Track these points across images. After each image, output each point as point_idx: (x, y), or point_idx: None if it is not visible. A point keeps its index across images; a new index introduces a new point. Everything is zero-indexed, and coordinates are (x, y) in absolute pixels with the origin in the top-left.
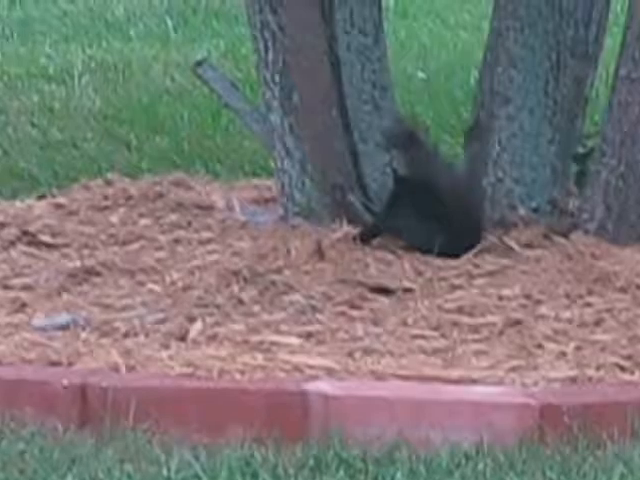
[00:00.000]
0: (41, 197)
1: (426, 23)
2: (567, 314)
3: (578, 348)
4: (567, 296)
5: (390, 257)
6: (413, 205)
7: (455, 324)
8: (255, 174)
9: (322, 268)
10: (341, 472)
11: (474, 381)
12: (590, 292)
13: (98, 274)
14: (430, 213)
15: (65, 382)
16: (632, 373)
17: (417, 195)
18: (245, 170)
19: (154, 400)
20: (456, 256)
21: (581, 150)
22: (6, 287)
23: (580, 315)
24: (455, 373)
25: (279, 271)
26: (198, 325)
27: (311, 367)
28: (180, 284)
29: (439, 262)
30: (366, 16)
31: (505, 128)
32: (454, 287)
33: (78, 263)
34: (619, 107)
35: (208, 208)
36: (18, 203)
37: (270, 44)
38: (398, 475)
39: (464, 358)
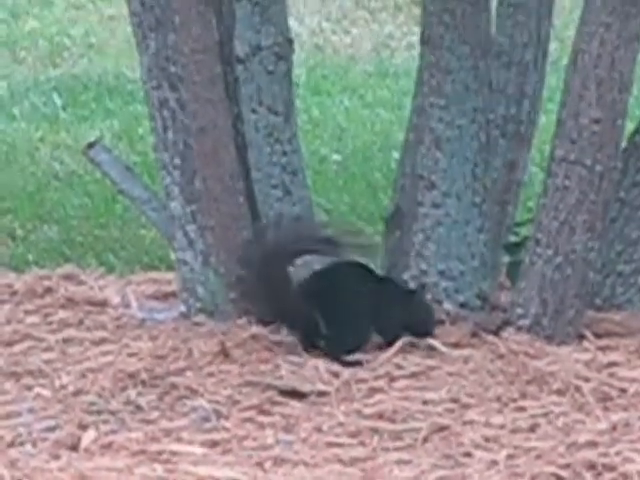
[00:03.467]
0: None
1: (342, 100)
2: (498, 419)
3: (511, 456)
4: (498, 399)
5: (302, 358)
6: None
7: (375, 431)
8: (153, 267)
9: (227, 370)
10: None
11: None
12: (524, 395)
13: None
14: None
15: None
16: None
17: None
18: (142, 262)
19: None
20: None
21: (513, 239)
22: None
23: (513, 420)
24: None
25: (180, 373)
26: (91, 433)
27: (216, 479)
28: (71, 388)
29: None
30: (275, 93)
31: (430, 215)
32: (373, 390)
33: None
34: (556, 192)
35: (102, 304)
36: None
37: (169, 123)
38: None
39: (385, 468)
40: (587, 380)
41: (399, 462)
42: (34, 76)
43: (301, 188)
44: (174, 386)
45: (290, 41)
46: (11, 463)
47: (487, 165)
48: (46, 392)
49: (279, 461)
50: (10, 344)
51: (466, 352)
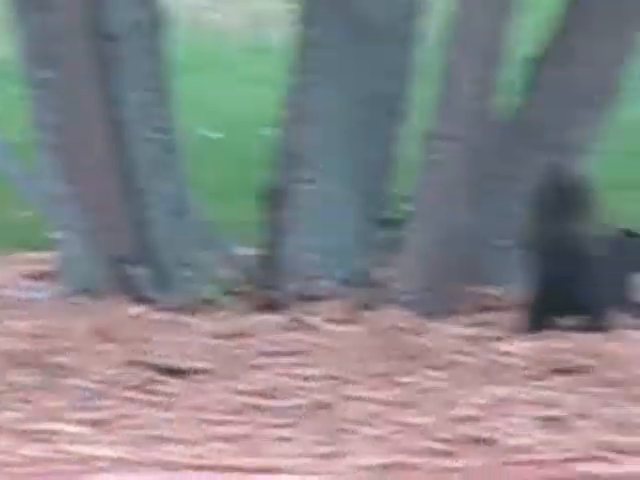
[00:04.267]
0: None
1: (217, 77)
2: (379, 395)
3: (391, 432)
4: (379, 375)
5: (180, 335)
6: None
7: (255, 408)
8: (31, 247)
9: (107, 349)
10: None
11: (278, 470)
12: (404, 370)
13: None
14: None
15: None
16: (452, 458)
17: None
18: (19, 242)
19: None
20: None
21: (391, 215)
22: None
23: (393, 396)
24: (256, 462)
25: (60, 353)
26: None
27: (97, 458)
28: None
29: (236, 341)
30: (150, 70)
31: (307, 192)
32: (253, 367)
33: None
34: (433, 167)
35: None
36: None
37: (45, 103)
38: None
39: (266, 445)
40: (468, 355)
41: (280, 439)
42: None
43: (180, 167)
44: (54, 366)
45: (165, 18)
46: None
47: (364, 142)
48: None
49: (159, 439)
50: None
51: (345, 328)
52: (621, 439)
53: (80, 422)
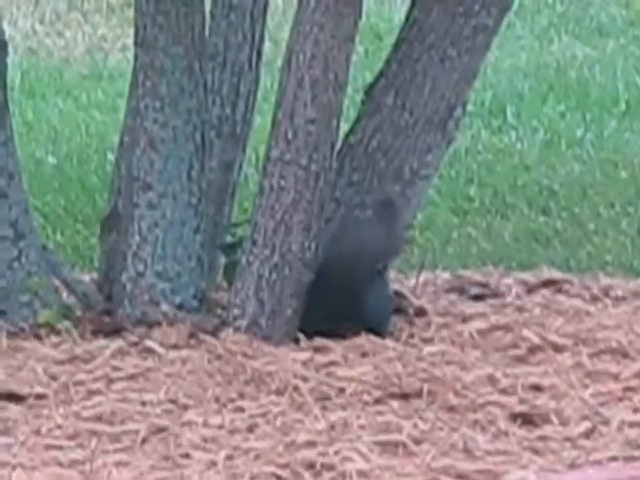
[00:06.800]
0: None
1: (56, 103)
2: (217, 420)
3: (229, 457)
4: (217, 400)
5: (18, 360)
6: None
7: (93, 433)
8: None
9: None
10: None
11: None
12: (242, 395)
13: None
14: None
15: None
16: None
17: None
18: None
19: None
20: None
21: (230, 240)
22: None
23: (231, 421)
24: None
25: None
26: None
27: None
28: None
29: (74, 365)
30: None
31: (146, 217)
32: (91, 392)
33: None
34: (271, 192)
35: None
36: None
37: None
38: None
39: (104, 470)
40: (305, 380)
41: (118, 464)
42: None
43: (17, 191)
44: None
45: (4, 44)
46: None
47: (203, 166)
48: None
49: None
50: None
51: (184, 353)
52: (460, 464)
53: None
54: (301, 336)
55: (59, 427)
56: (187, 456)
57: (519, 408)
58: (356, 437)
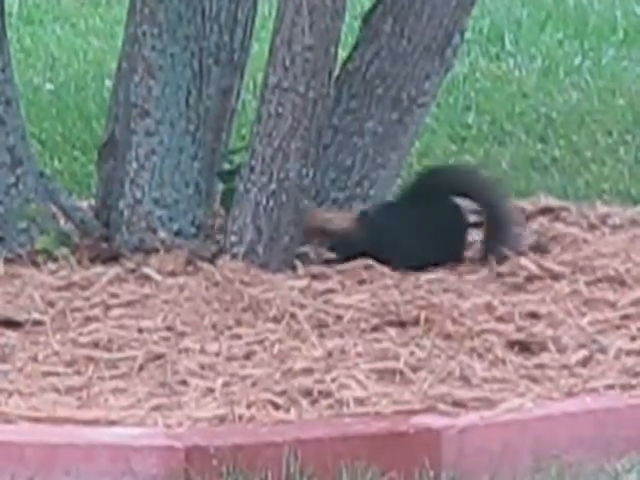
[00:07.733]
0: None
1: (54, 29)
2: (214, 347)
3: (226, 384)
4: (214, 327)
5: (15, 287)
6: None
7: (90, 359)
8: None
9: None
10: None
11: (112, 422)
12: (239, 322)
13: None
14: None
15: None
16: (287, 411)
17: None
18: None
19: None
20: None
21: (227, 167)
22: None
23: (228, 348)
24: (91, 413)
25: None
26: None
27: None
28: None
29: (71, 292)
30: None
31: (143, 144)
32: (89, 319)
33: None
34: (269, 119)
35: None
36: None
37: None
38: None
39: (101, 397)
40: (302, 307)
41: (115, 391)
42: None
43: (15, 118)
44: None
45: None
46: None
47: (200, 93)
48: None
49: None
50: None
51: (181, 280)
52: (457, 391)
53: None
54: (298, 263)
55: (56, 354)
56: (184, 383)
57: (516, 336)
58: (353, 364)
